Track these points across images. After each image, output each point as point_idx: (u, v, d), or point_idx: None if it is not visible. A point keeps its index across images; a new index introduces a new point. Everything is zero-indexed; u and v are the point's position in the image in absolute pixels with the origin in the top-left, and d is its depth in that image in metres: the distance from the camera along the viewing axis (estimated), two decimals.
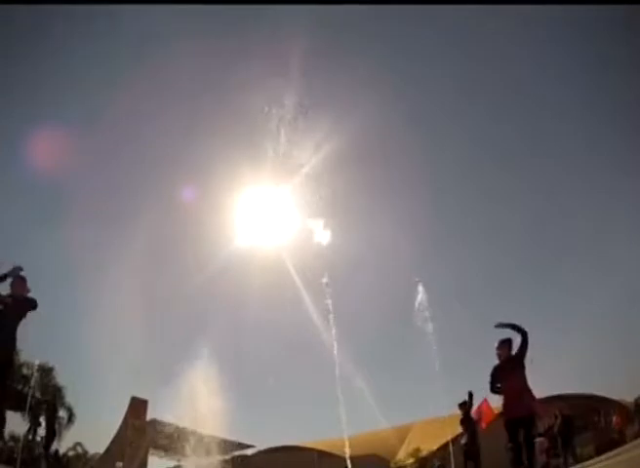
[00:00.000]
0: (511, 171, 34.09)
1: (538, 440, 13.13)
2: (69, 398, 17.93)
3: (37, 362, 16.64)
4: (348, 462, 11.15)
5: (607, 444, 12.35)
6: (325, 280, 11.22)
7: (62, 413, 17.81)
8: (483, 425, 9.57)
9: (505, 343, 5.59)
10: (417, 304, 13.82)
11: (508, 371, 5.43)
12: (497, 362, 5.60)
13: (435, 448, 17.70)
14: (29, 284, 5.03)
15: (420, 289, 14.10)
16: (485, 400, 7.79)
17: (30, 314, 5.00)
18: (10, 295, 4.92)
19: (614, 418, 14.14)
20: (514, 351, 5.48)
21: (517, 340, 5.51)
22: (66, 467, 16.42)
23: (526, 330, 5.38)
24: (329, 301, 11.27)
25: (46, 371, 16.36)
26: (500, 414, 5.71)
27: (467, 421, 8.51)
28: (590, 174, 29.13)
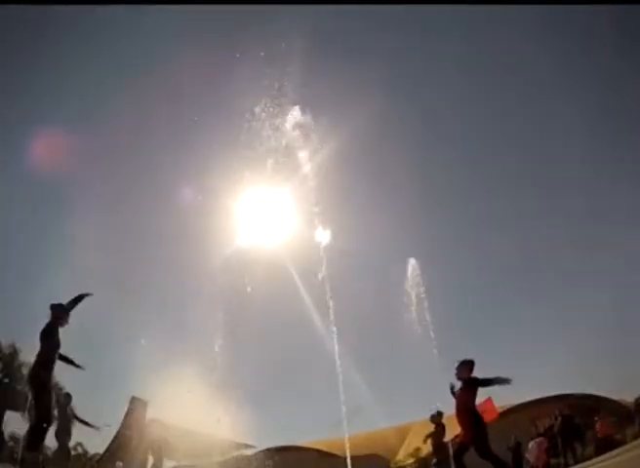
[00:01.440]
0: (511, 172, 34.12)
1: (537, 440, 13.16)
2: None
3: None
4: (349, 462, 11.16)
5: (607, 444, 12.35)
6: (324, 279, 11.24)
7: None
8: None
9: (467, 365, 5.69)
10: (408, 281, 13.83)
11: (464, 392, 5.57)
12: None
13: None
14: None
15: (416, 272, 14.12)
16: (489, 399, 7.81)
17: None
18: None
19: (597, 425, 13.59)
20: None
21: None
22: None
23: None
24: (329, 300, 11.29)
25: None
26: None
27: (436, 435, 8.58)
28: (590, 176, 29.17)
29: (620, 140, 24.87)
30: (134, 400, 17.94)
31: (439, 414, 8.82)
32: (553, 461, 13.49)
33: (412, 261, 14.43)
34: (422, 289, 14.61)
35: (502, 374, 5.58)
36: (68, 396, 8.06)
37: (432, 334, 13.69)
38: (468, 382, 5.59)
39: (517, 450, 13.41)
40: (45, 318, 5.10)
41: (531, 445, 13.05)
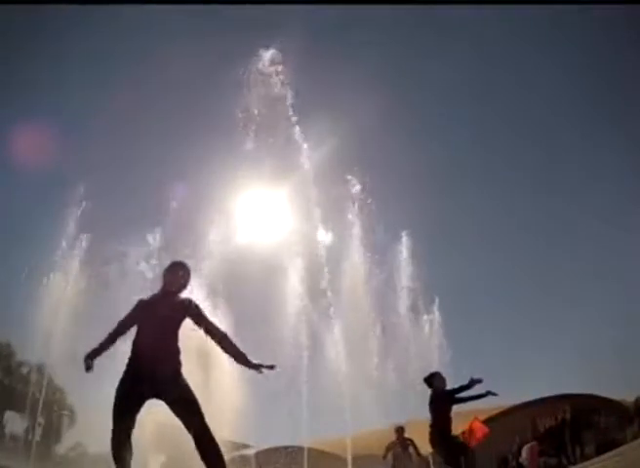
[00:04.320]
0: (511, 171, 34.13)
1: (529, 444, 13.11)
2: (71, 398, 18.03)
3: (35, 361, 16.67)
4: (349, 462, 11.14)
5: (607, 444, 12.34)
6: (325, 277, 11.23)
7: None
8: (475, 442, 9.51)
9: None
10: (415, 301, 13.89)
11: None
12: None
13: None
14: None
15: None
16: (476, 418, 7.70)
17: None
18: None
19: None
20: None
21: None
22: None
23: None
24: (329, 299, 11.28)
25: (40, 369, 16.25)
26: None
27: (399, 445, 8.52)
28: (592, 175, 29.20)
29: (622, 143, 24.90)
30: None
31: (400, 429, 8.74)
32: (552, 461, 13.48)
33: (414, 253, 14.40)
34: (425, 288, 14.62)
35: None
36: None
37: (435, 333, 13.71)
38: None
39: (518, 455, 13.42)
40: None
41: (524, 450, 13.05)
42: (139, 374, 3.04)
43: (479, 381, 5.43)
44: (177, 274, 3.42)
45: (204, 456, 2.99)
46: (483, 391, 5.51)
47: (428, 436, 5.52)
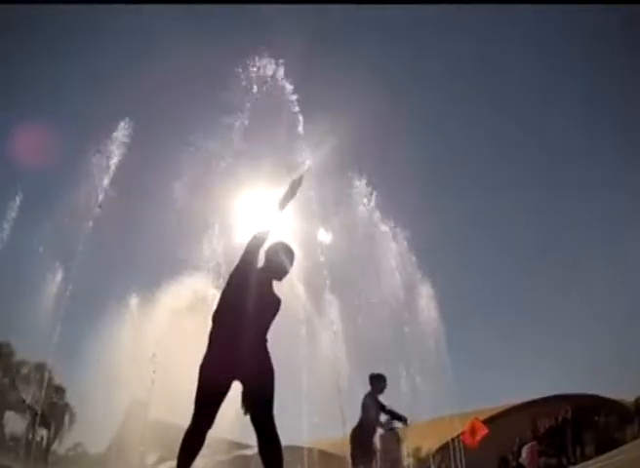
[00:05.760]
0: (513, 168, 34.14)
1: (529, 444, 13.14)
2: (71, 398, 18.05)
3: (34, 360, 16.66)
4: (349, 462, 11.12)
5: (607, 444, 12.36)
6: (325, 277, 11.22)
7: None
8: (475, 442, 9.53)
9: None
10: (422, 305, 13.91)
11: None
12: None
13: (435, 447, 17.69)
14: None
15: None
16: (476, 419, 7.67)
17: None
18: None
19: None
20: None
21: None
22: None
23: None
24: (330, 299, 11.26)
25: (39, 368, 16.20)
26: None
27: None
28: (593, 173, 29.19)
29: (623, 142, 24.92)
30: (133, 402, 17.91)
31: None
32: (552, 461, 13.50)
33: (415, 254, 14.36)
34: (426, 287, 14.62)
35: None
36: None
37: (435, 333, 13.69)
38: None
39: (518, 455, 13.45)
40: None
41: (524, 450, 13.09)
42: (231, 358, 2.57)
43: (401, 420, 5.47)
44: (289, 263, 2.87)
45: (267, 461, 2.71)
46: (386, 421, 5.48)
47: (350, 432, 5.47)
